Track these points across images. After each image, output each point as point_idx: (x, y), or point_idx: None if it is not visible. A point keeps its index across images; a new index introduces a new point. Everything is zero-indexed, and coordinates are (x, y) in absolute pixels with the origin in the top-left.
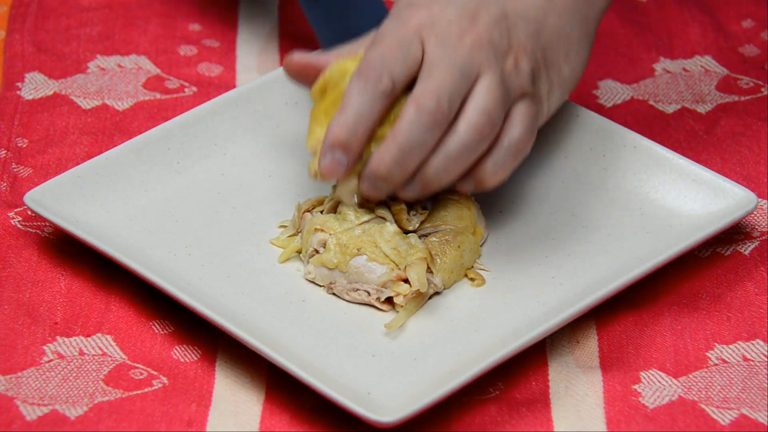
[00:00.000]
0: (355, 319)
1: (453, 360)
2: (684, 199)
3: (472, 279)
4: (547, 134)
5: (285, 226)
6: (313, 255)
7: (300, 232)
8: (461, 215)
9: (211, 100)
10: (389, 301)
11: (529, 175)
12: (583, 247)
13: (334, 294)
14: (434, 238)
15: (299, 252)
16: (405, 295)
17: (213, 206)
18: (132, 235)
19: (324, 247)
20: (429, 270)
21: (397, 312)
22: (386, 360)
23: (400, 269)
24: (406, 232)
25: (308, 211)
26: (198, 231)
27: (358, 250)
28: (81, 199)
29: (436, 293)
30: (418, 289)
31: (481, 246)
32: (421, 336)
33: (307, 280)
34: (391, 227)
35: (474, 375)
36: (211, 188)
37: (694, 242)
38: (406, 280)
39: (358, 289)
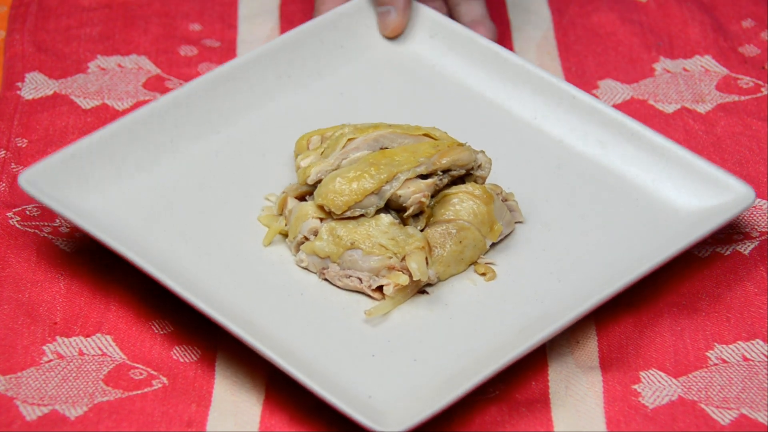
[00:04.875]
0: (353, 316)
1: (454, 363)
2: (682, 191)
3: (483, 274)
4: (543, 124)
5: (270, 201)
6: (303, 242)
7: (283, 214)
8: (476, 211)
9: (201, 77)
10: (380, 289)
11: (525, 161)
12: (580, 242)
13: (326, 279)
14: (438, 229)
15: (283, 234)
16: (396, 285)
17: (208, 188)
18: (127, 221)
19: (315, 235)
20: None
21: (383, 300)
22: (386, 360)
23: (397, 257)
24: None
25: (297, 198)
26: (193, 216)
27: (352, 243)
28: (75, 180)
29: (428, 285)
30: (409, 280)
31: (497, 242)
32: (420, 335)
33: (299, 267)
34: (386, 218)
35: (476, 384)
36: (206, 168)
37: (695, 239)
38: (400, 270)
39: (350, 276)
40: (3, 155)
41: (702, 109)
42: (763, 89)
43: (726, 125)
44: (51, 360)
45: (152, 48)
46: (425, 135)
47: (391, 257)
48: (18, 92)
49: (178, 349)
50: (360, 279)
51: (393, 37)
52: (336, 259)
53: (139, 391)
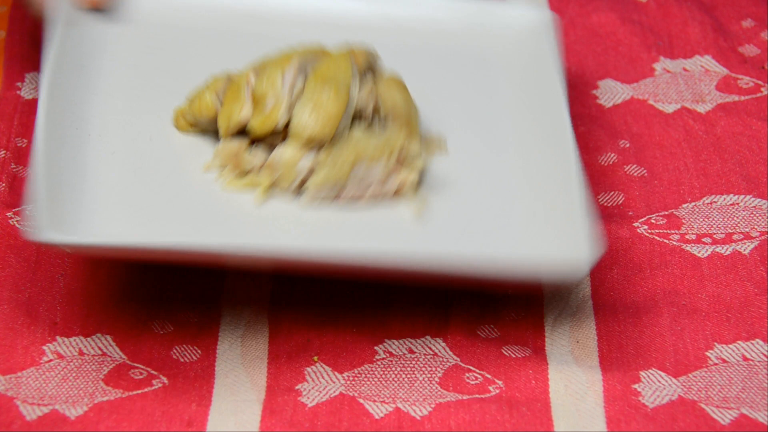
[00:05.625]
0: (394, 217)
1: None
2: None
3: (436, 146)
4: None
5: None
6: (304, 182)
7: (255, 170)
8: (405, 98)
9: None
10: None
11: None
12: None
13: (345, 202)
14: (390, 125)
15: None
16: (407, 181)
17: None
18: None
19: (312, 171)
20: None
21: (409, 198)
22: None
23: (393, 157)
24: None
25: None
26: (143, 196)
27: (354, 160)
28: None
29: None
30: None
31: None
32: (455, 204)
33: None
34: (357, 128)
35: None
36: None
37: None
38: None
39: (370, 185)
40: (3, 155)
41: (702, 109)
42: (763, 89)
43: (726, 125)
44: (51, 360)
45: None
46: (321, 50)
47: (389, 158)
48: (18, 92)
49: (178, 349)
50: (376, 189)
51: (95, 8)
52: (345, 180)
53: (139, 391)
